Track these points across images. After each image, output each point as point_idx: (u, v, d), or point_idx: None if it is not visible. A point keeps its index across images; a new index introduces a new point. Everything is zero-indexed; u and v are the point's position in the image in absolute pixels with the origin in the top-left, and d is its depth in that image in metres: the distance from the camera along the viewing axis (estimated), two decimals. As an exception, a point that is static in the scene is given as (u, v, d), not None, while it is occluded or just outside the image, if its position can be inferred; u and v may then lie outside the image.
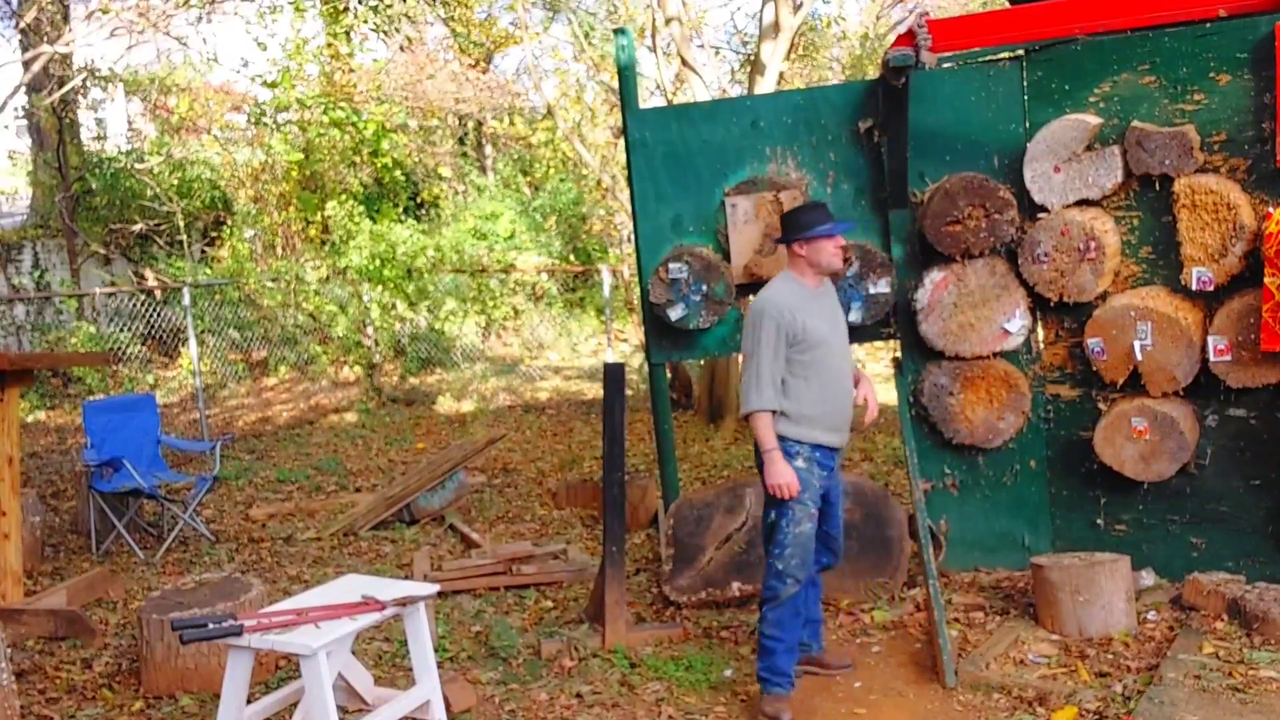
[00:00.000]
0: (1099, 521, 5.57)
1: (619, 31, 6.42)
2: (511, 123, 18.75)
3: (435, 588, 4.23)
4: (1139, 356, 5.22)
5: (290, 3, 16.23)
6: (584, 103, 16.01)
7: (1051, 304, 5.45)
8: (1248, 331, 5.02)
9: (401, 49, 18.17)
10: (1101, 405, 5.47)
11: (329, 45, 17.15)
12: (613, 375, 5.24)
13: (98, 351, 11.62)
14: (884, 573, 5.55)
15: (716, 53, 17.87)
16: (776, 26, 10.92)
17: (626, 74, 6.24)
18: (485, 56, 21.03)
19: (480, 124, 19.76)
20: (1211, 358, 5.11)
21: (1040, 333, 5.64)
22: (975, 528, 5.79)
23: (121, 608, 6.21)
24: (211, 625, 3.61)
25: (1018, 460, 5.70)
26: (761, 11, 11.56)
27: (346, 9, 18.28)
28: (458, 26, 20.00)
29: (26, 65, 13.68)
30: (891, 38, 12.76)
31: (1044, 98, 5.48)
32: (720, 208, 5.87)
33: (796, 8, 11.67)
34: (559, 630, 5.38)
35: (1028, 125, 5.51)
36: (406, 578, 6.35)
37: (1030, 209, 5.47)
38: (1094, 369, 5.40)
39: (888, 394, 8.62)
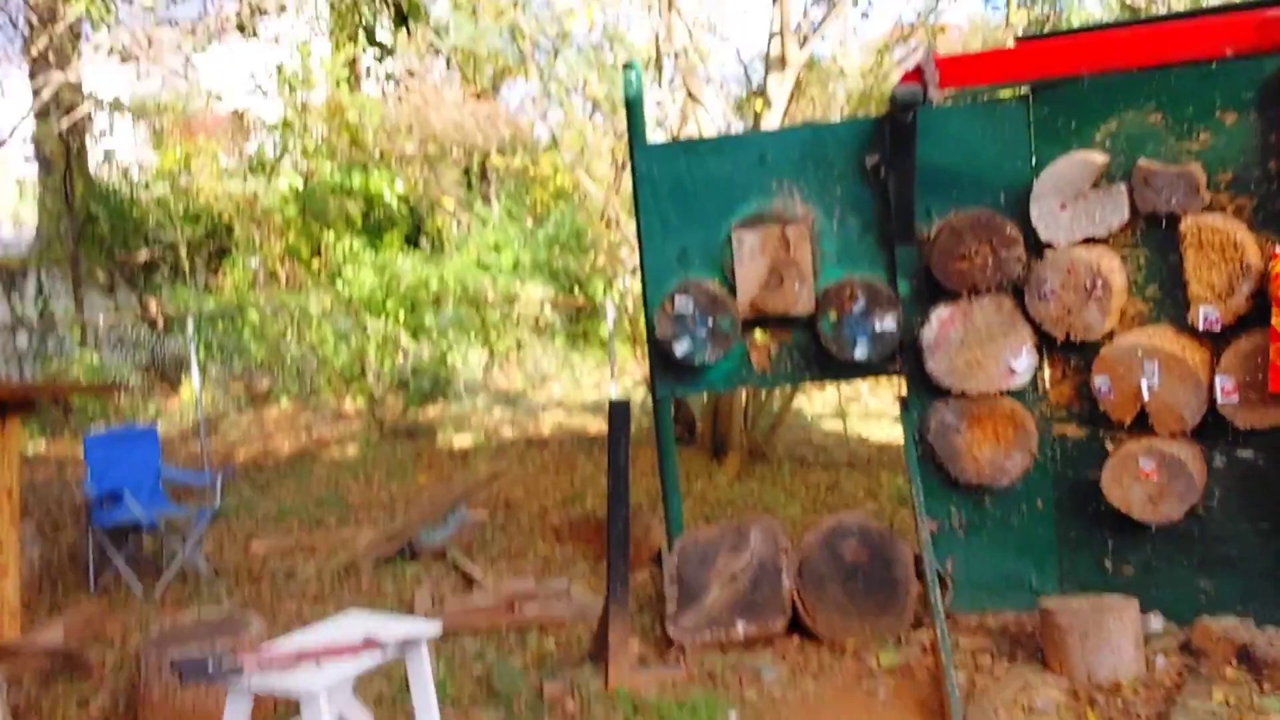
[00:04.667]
0: (1107, 563, 5.51)
1: (627, 66, 6.42)
2: (514, 153, 18.78)
3: (438, 625, 4.18)
4: (1146, 396, 5.18)
5: (296, 47, 16.32)
6: (585, 137, 16.05)
7: (1058, 342, 5.42)
8: (1255, 372, 4.98)
9: (398, 94, 18.21)
10: (1109, 445, 5.42)
11: (334, 78, 17.21)
12: (617, 413, 5.21)
13: (102, 383, 11.59)
14: (890, 614, 5.49)
15: (721, 86, 17.93)
16: (783, 61, 10.96)
17: (634, 107, 6.24)
18: (491, 88, 21.08)
19: (486, 155, 19.81)
20: (1219, 398, 5.07)
21: (1047, 371, 5.60)
22: (982, 568, 5.73)
23: (119, 644, 6.15)
24: (211, 665, 3.56)
25: (1024, 500, 5.65)
26: (768, 46, 11.61)
27: (353, 38, 18.37)
28: (462, 60, 20.07)
29: (36, 93, 13.73)
30: (895, 75, 12.80)
31: (1050, 135, 5.47)
32: (726, 241, 5.85)
33: (802, 43, 11.72)
34: (561, 671, 5.32)
35: (1034, 162, 5.50)
36: (408, 614, 6.29)
37: (1036, 246, 5.44)
38: (1101, 408, 5.36)
39: (894, 432, 8.58)
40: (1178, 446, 5.18)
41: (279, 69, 16.41)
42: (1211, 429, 5.18)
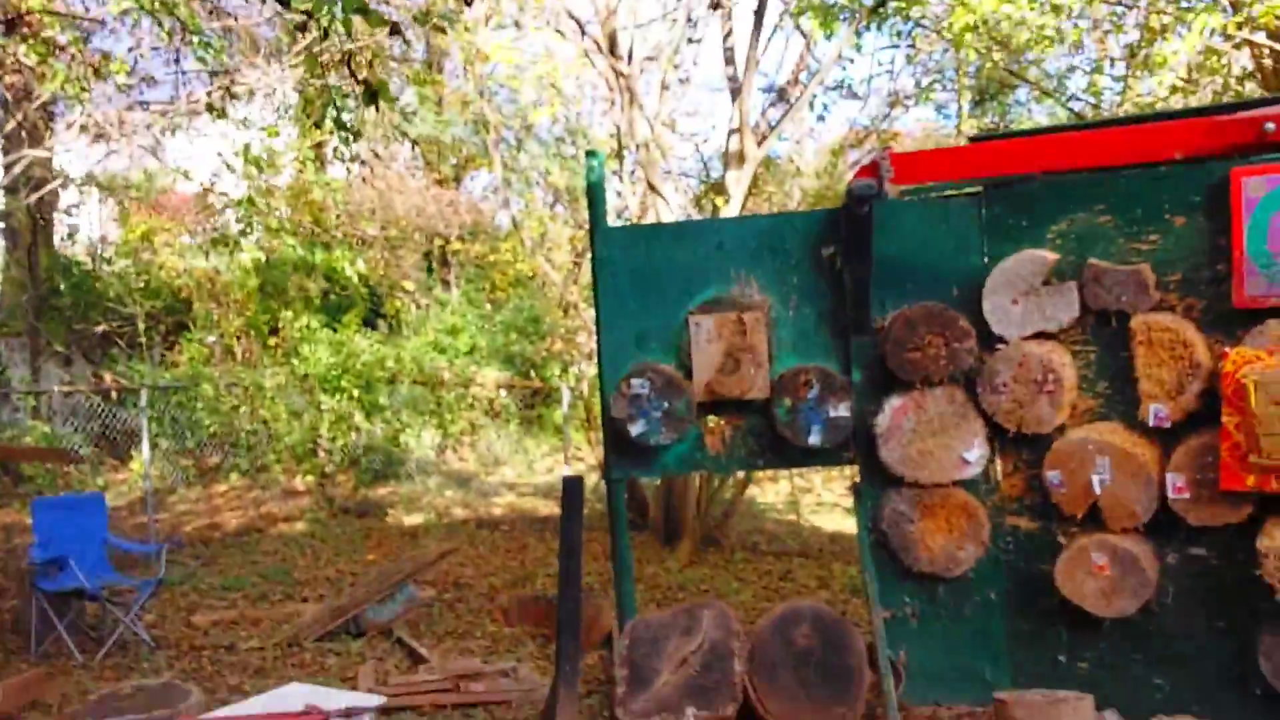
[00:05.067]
0: (1061, 658, 5.49)
1: (590, 153, 6.52)
2: (474, 240, 18.93)
3: (381, 699, 4.10)
4: (1098, 490, 5.23)
5: (263, 127, 16.41)
6: (545, 225, 16.25)
7: (1010, 434, 5.47)
8: (1206, 470, 5.02)
9: (364, 176, 18.34)
10: (1061, 538, 5.43)
11: (299, 160, 17.31)
12: (570, 489, 5.20)
13: (57, 448, 11.46)
14: (842, 703, 5.43)
15: (684, 178, 18.22)
16: (741, 157, 11.21)
17: (596, 191, 6.31)
18: (454, 176, 21.29)
19: (447, 241, 19.94)
20: (1171, 495, 5.11)
21: (999, 463, 5.64)
22: (935, 660, 5.68)
23: (56, 711, 6.00)
24: (146, 733, 3.47)
25: (977, 591, 5.64)
26: (727, 143, 11.88)
27: (319, 125, 18.50)
28: (426, 149, 20.27)
29: (8, 169, 13.76)
30: (849, 176, 13.10)
31: (1002, 233, 5.57)
32: (684, 326, 5.89)
33: (760, 140, 12.00)
34: (506, 752, 5.22)
35: (986, 259, 5.59)
36: (352, 690, 6.16)
37: (989, 340, 5.52)
38: (1053, 501, 5.39)
39: (846, 523, 8.59)
40: (1130, 541, 5.21)
41: (245, 148, 16.49)
42: (1164, 525, 5.20)
